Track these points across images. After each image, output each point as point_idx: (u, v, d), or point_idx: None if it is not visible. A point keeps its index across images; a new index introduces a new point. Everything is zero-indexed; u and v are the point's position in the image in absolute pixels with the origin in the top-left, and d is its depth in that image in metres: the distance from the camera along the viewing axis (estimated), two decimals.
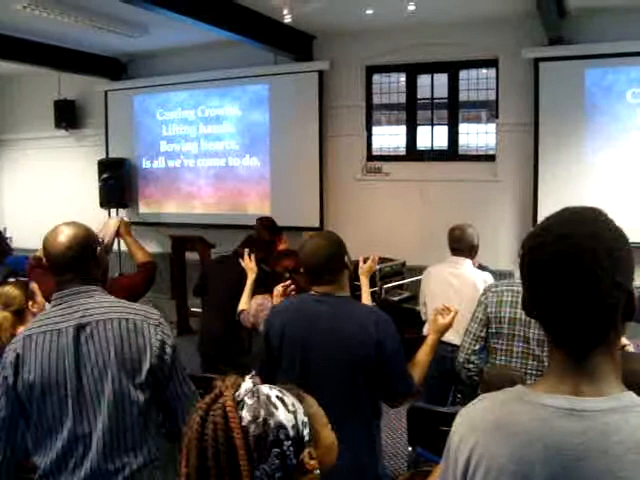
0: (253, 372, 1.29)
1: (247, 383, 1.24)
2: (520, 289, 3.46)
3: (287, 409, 1.22)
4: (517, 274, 3.62)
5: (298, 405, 1.25)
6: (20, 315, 3.24)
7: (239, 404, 1.20)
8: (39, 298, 3.41)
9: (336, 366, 2.44)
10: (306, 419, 1.24)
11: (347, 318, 2.50)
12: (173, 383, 2.07)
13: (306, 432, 1.23)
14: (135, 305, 2.16)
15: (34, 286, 3.42)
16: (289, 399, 1.24)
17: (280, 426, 1.19)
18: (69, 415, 2.00)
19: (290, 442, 1.19)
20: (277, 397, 1.23)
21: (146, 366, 2.01)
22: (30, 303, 3.31)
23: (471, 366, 3.37)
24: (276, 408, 1.20)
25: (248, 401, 1.20)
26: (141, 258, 3.43)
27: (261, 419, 1.18)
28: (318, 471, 1.22)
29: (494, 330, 3.28)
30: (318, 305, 2.56)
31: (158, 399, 2.09)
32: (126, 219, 3.75)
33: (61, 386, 2.00)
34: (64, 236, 2.16)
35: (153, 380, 2.03)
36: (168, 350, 2.06)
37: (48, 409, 2.02)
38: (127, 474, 2.00)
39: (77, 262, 2.14)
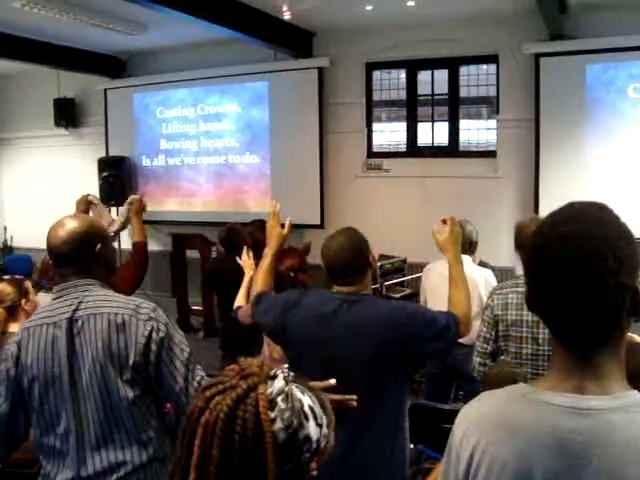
0: (285, 366, 1.26)
1: (279, 381, 1.21)
2: (524, 290, 3.41)
3: (317, 422, 1.20)
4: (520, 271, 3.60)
5: (324, 418, 1.23)
6: (13, 312, 3.25)
7: (271, 403, 1.17)
8: (32, 296, 3.42)
9: (363, 364, 2.41)
10: (327, 431, 1.23)
11: (370, 315, 2.47)
12: (163, 378, 2.01)
13: (323, 444, 1.22)
14: (130, 299, 2.12)
15: (28, 284, 3.42)
16: (318, 410, 1.22)
17: (307, 439, 1.18)
18: (66, 409, 2.00)
19: (309, 454, 1.19)
20: (309, 407, 1.20)
21: (130, 362, 1.97)
22: (23, 301, 3.31)
23: (487, 369, 3.37)
24: (307, 420, 1.19)
25: (281, 404, 1.18)
26: (135, 238, 3.58)
27: (292, 430, 1.17)
28: (315, 472, 1.21)
29: (502, 333, 3.28)
30: (339, 304, 2.51)
31: (155, 395, 2.06)
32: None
33: (57, 379, 2.00)
34: (63, 230, 2.12)
35: (141, 377, 2.00)
36: (153, 347, 1.99)
37: (50, 402, 2.02)
38: (122, 474, 1.99)
39: (74, 257, 2.11)
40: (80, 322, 2.01)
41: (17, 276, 3.63)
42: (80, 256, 2.12)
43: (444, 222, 2.88)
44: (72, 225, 2.14)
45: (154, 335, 2.00)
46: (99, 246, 2.17)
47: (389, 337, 2.41)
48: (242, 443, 1.14)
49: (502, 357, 3.31)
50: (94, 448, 1.98)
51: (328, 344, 2.46)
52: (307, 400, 1.21)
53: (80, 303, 2.05)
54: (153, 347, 1.99)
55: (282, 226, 3.04)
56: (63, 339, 2.01)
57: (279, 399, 1.18)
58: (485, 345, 3.33)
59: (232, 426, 1.15)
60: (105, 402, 1.98)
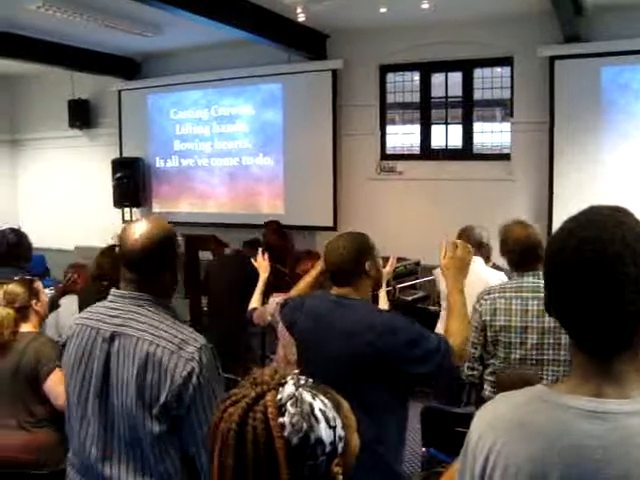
0: (295, 371, 1.26)
1: (289, 387, 1.21)
2: (512, 295, 3.41)
3: (329, 424, 1.19)
4: (504, 278, 3.57)
5: (338, 420, 1.22)
6: (23, 312, 3.26)
7: (281, 409, 1.17)
8: (43, 297, 3.43)
9: (341, 368, 2.41)
10: (343, 433, 1.22)
11: (353, 320, 2.47)
12: (191, 422, 1.88)
13: (340, 446, 1.21)
14: (178, 331, 1.94)
15: (38, 285, 3.43)
16: (330, 412, 1.21)
17: (319, 442, 1.17)
18: (91, 415, 1.97)
19: (325, 457, 1.18)
20: (320, 410, 1.19)
21: (162, 401, 1.85)
22: (34, 301, 3.32)
23: (475, 373, 3.41)
24: (318, 422, 1.18)
25: (290, 409, 1.17)
26: None
27: (302, 433, 1.16)
28: (341, 476, 1.21)
29: (490, 338, 3.29)
30: (331, 306, 2.56)
31: (179, 436, 1.93)
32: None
33: (86, 384, 1.98)
34: (143, 233, 1.98)
35: (170, 415, 1.88)
36: (190, 390, 1.85)
37: (74, 401, 2.02)
38: None
39: (145, 266, 1.99)
40: (122, 339, 1.93)
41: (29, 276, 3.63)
42: (153, 266, 2.00)
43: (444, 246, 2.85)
44: (152, 230, 2.00)
45: (193, 379, 1.86)
46: (172, 260, 2.07)
47: (361, 346, 2.39)
48: (254, 451, 1.15)
49: (491, 361, 3.33)
50: (114, 466, 1.93)
51: (321, 343, 2.51)
52: (318, 404, 1.20)
53: (127, 319, 1.95)
54: (190, 391, 1.85)
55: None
56: (103, 351, 1.96)
57: (288, 404, 1.18)
58: (473, 350, 3.36)
59: (244, 434, 1.16)
60: (131, 430, 1.90)
